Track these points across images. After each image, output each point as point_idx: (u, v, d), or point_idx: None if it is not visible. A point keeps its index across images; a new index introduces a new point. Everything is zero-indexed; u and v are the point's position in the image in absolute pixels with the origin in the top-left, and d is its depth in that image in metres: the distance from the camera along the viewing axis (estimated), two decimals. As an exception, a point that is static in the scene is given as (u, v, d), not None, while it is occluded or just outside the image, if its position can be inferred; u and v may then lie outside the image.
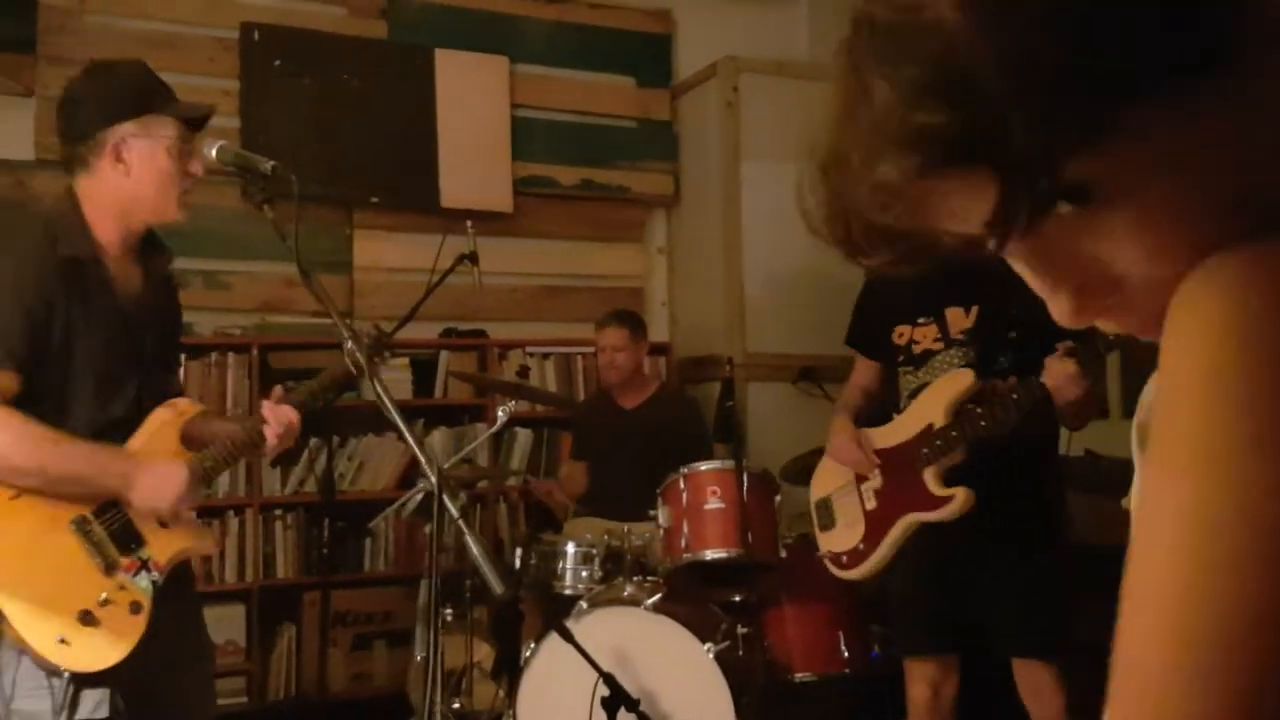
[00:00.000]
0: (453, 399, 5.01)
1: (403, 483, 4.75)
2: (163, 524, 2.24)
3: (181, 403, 2.39)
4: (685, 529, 3.39)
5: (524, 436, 5.12)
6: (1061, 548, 2.89)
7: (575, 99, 5.55)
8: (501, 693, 3.86)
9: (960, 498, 2.76)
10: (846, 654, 3.55)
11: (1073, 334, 2.83)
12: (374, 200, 5.05)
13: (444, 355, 5.01)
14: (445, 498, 1.77)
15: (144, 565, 2.17)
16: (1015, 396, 2.68)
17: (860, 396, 3.13)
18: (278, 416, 2.32)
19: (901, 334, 2.94)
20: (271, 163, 2.00)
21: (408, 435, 1.88)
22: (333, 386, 2.42)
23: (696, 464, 3.48)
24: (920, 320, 2.90)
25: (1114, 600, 0.54)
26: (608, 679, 2.88)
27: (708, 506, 3.39)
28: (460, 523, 1.79)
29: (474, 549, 1.76)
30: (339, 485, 4.65)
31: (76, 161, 2.22)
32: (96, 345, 2.17)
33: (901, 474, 2.87)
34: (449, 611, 3.77)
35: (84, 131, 2.20)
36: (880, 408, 3.08)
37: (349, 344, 1.93)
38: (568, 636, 2.91)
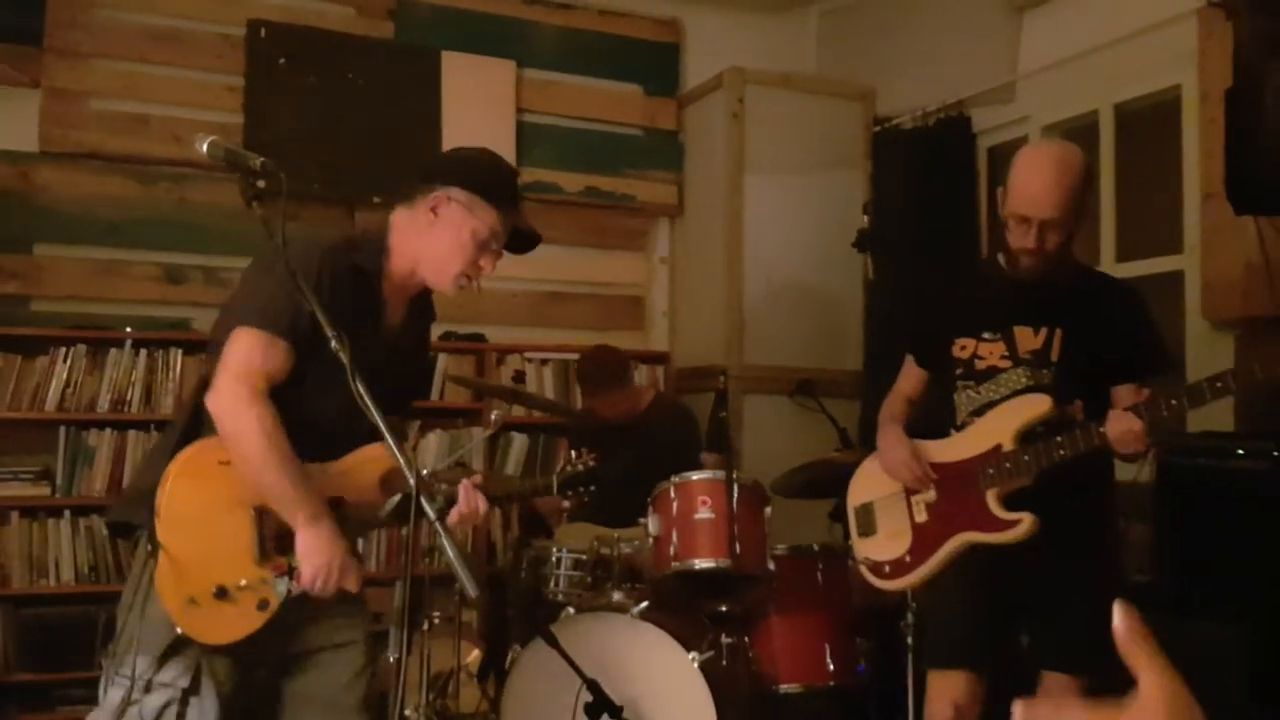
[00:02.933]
0: (449, 402, 5.01)
1: (396, 484, 4.73)
2: None
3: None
4: (674, 538, 3.38)
5: (520, 442, 5.12)
6: (1116, 568, 2.83)
7: (581, 105, 5.56)
8: (485, 698, 3.85)
9: (1026, 524, 2.65)
10: (832, 666, 3.52)
11: (1146, 372, 2.73)
12: (376, 201, 5.05)
13: (441, 358, 5.01)
14: (423, 500, 1.77)
15: (289, 572, 2.19)
16: (1092, 429, 2.55)
17: (906, 406, 3.02)
18: (469, 499, 2.33)
19: (964, 347, 2.82)
20: (260, 159, 1.99)
21: (388, 437, 1.88)
22: (529, 493, 2.33)
23: (688, 473, 3.47)
24: (986, 335, 2.79)
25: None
26: (591, 685, 2.87)
27: (698, 516, 3.38)
28: (437, 524, 1.78)
29: (449, 550, 1.76)
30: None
31: (406, 195, 2.36)
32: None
33: (960, 491, 2.76)
34: (437, 614, 3.76)
35: (430, 176, 2.36)
36: (925, 416, 2.97)
37: (333, 344, 1.92)
38: (553, 642, 2.90)
